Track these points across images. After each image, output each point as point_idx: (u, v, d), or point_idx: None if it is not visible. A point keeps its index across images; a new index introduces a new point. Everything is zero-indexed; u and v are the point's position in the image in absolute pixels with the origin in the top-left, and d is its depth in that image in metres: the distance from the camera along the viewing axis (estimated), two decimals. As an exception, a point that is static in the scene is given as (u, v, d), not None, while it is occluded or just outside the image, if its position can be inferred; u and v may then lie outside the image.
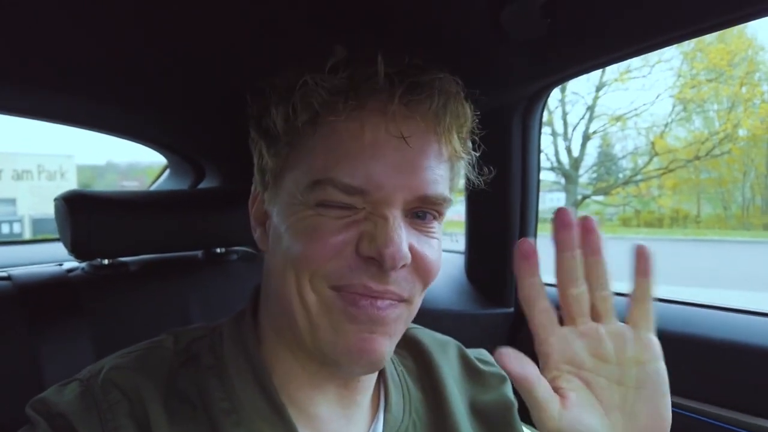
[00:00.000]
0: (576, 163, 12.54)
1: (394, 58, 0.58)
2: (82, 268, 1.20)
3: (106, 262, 1.20)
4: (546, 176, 12.47)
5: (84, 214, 1.09)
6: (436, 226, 0.61)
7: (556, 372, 0.55)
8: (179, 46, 1.03)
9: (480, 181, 0.70)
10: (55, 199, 1.13)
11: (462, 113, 0.61)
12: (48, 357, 1.02)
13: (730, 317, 1.18)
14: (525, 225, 1.40)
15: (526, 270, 0.54)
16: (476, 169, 0.69)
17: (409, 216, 0.58)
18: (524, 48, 1.00)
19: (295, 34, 0.93)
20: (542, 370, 0.54)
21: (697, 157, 11.33)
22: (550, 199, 13.34)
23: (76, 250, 1.11)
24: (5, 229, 11.59)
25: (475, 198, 1.48)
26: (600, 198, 13.11)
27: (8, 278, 1.11)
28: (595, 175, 13.36)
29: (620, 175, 13.17)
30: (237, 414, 0.59)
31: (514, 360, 0.51)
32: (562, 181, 12.72)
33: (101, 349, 1.06)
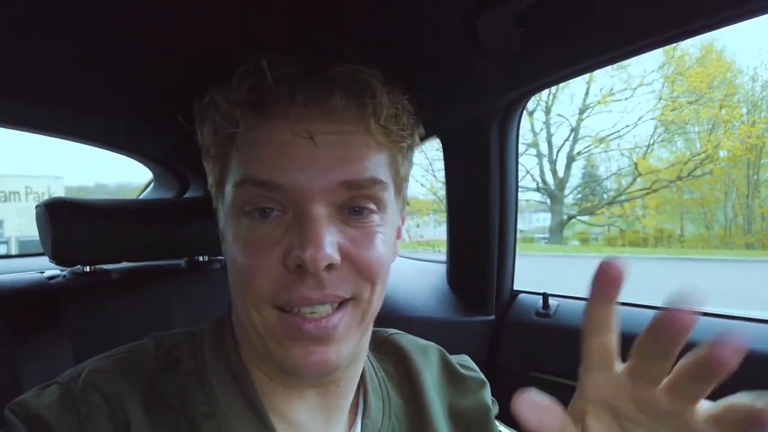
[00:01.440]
0: (561, 183, 12.64)
1: (303, 59, 0.59)
2: (64, 276, 1.19)
3: (87, 269, 1.19)
4: (532, 196, 12.55)
5: (65, 220, 1.10)
6: (375, 220, 0.59)
7: (588, 407, 0.45)
8: (161, 54, 1.04)
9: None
10: (37, 206, 1.13)
11: (377, 102, 0.58)
12: (27, 364, 1.01)
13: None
14: (504, 233, 1.42)
15: (605, 294, 0.42)
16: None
17: (342, 213, 0.57)
18: (500, 58, 1.03)
19: (273, 43, 0.95)
20: (573, 400, 0.47)
21: (680, 178, 11.47)
22: (536, 219, 13.42)
23: (57, 257, 1.11)
24: (-9, 251, 11.41)
25: (455, 207, 1.50)
26: (585, 218, 13.21)
27: None
28: (580, 195, 13.47)
29: (605, 196, 13.30)
30: (217, 418, 0.59)
31: (532, 409, 0.40)
32: (548, 201, 12.81)
33: (81, 357, 1.04)
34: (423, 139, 1.47)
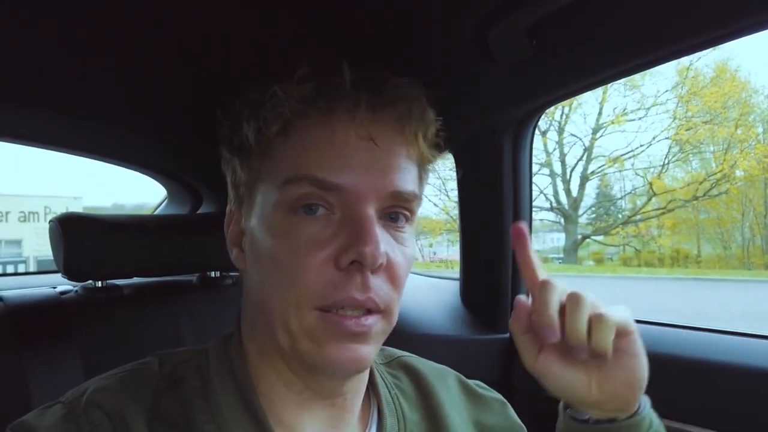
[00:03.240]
0: (575, 203, 12.59)
1: (360, 69, 0.61)
2: (76, 291, 1.19)
3: (99, 284, 1.19)
4: (545, 216, 12.50)
5: (77, 235, 1.10)
6: (407, 230, 0.62)
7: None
8: (177, 71, 1.06)
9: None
10: (50, 221, 1.13)
11: (425, 117, 0.63)
12: (37, 379, 1.01)
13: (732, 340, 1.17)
14: (518, 249, 1.40)
15: (521, 247, 0.67)
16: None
17: (382, 218, 0.60)
18: (512, 70, 1.02)
19: (288, 59, 0.96)
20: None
21: (696, 198, 11.38)
22: (550, 239, 13.33)
23: (69, 272, 1.11)
24: (10, 269, 11.58)
25: (468, 222, 1.49)
26: (600, 238, 13.10)
27: (0, 299, 1.11)
28: (594, 215, 13.39)
29: (619, 216, 13.21)
30: None
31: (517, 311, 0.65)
32: (562, 221, 12.74)
33: (91, 373, 1.04)
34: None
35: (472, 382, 0.84)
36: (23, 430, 0.57)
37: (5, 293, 1.13)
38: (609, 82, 1.06)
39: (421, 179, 0.66)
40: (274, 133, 0.60)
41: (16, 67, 0.99)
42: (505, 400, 0.83)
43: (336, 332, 0.56)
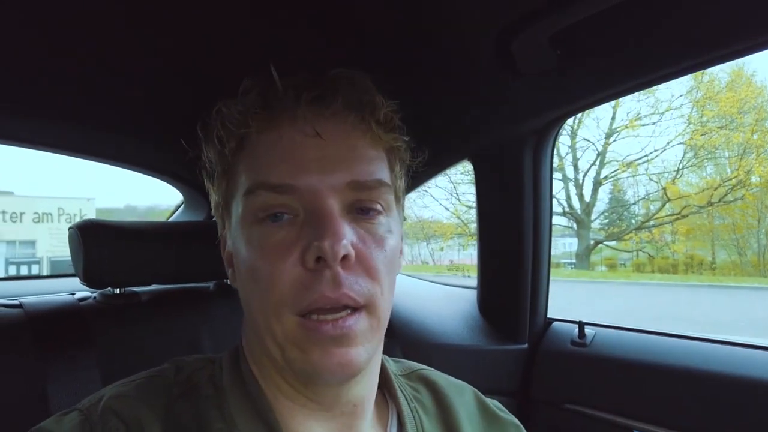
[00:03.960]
0: (588, 208, 12.51)
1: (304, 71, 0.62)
2: (94, 298, 1.20)
3: (117, 291, 1.20)
4: (557, 221, 12.42)
5: (96, 243, 1.10)
6: (382, 220, 0.61)
7: None
8: (189, 76, 1.06)
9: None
10: (70, 228, 1.14)
11: (373, 102, 0.62)
12: (56, 385, 1.01)
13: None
14: (537, 259, 1.39)
15: None
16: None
17: (351, 212, 0.59)
18: (534, 80, 1.02)
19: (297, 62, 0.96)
20: None
21: (710, 203, 11.27)
22: (563, 244, 13.25)
23: (87, 279, 1.11)
24: (24, 270, 11.74)
25: (486, 231, 1.48)
26: (613, 243, 13.00)
27: (20, 306, 1.11)
28: (607, 220, 13.29)
29: (633, 221, 13.10)
30: None
31: None
32: (574, 226, 12.66)
33: (109, 379, 1.04)
34: (454, 161, 1.46)
35: (489, 401, 0.83)
36: None
37: (25, 300, 1.14)
38: (632, 92, 1.05)
39: (392, 166, 0.65)
40: (231, 150, 0.62)
41: (32, 76, 1.00)
42: (520, 425, 0.82)
43: (317, 338, 0.55)
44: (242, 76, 0.63)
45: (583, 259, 12.46)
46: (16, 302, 1.12)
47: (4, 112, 1.15)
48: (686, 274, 12.39)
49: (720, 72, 10.78)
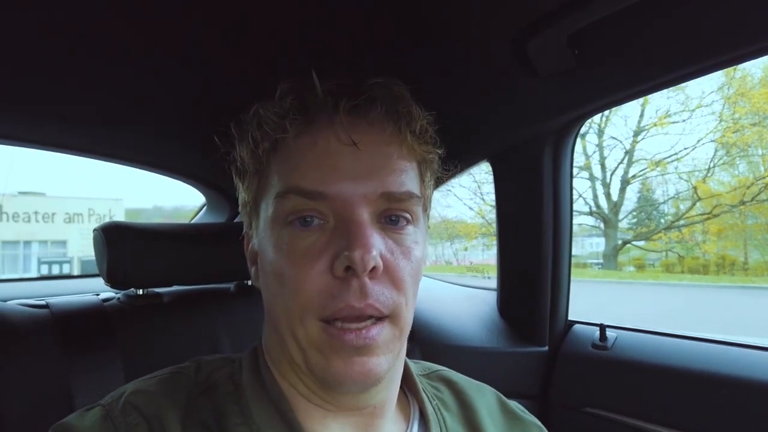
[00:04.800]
0: (615, 207, 12.29)
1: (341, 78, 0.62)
2: (118, 298, 1.22)
3: (140, 292, 1.22)
4: (585, 221, 12.24)
5: (120, 244, 1.13)
6: (410, 231, 0.61)
7: None
8: (211, 81, 1.07)
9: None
10: (94, 230, 1.17)
11: (411, 113, 0.62)
12: (80, 383, 1.04)
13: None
14: (558, 260, 1.38)
15: None
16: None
17: (381, 221, 0.59)
18: (553, 80, 1.01)
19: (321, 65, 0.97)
20: None
21: (743, 202, 10.98)
22: (589, 244, 13.05)
23: (111, 280, 1.14)
24: (55, 269, 12.05)
25: (506, 233, 1.47)
26: (641, 243, 12.76)
27: (46, 306, 1.14)
28: (635, 220, 13.06)
29: (662, 221, 12.84)
30: None
31: None
32: (602, 225, 12.46)
33: (132, 376, 1.06)
34: (473, 162, 1.45)
35: (510, 402, 0.83)
36: (64, 430, 0.59)
37: (51, 300, 1.17)
38: (652, 92, 1.03)
39: (423, 177, 0.65)
40: (264, 150, 0.62)
41: (57, 79, 1.02)
42: (542, 426, 0.81)
43: (339, 346, 0.56)
44: (271, 80, 0.63)
45: (611, 259, 12.25)
46: (42, 303, 1.16)
47: (31, 117, 1.18)
48: (717, 274, 12.10)
49: (753, 68, 10.49)
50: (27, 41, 0.88)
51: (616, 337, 1.33)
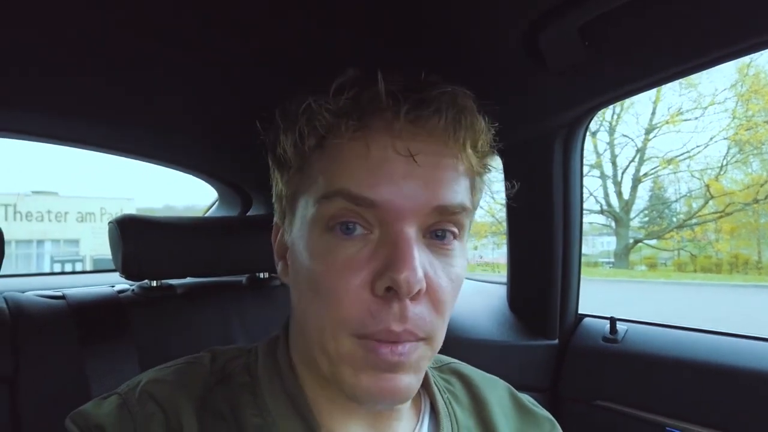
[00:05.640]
0: (627, 206, 12.21)
1: (404, 76, 0.57)
2: (132, 290, 1.25)
3: (154, 284, 1.24)
4: (595, 219, 12.16)
5: (134, 236, 1.15)
6: (456, 247, 0.58)
7: None
8: (225, 78, 1.09)
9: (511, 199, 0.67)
10: (109, 222, 1.19)
11: (475, 127, 0.58)
12: (96, 373, 1.06)
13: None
14: (568, 254, 1.38)
15: None
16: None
17: (427, 236, 0.56)
18: (563, 73, 1.01)
19: (334, 60, 0.97)
20: None
21: (756, 201, 10.87)
22: (600, 243, 12.98)
23: (126, 271, 1.16)
24: (68, 268, 12.19)
25: (516, 226, 1.47)
26: (653, 242, 12.67)
27: (63, 297, 1.16)
28: (646, 218, 12.96)
29: (674, 219, 12.74)
30: (268, 429, 0.59)
31: None
32: (613, 224, 12.38)
33: (146, 366, 1.08)
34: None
35: (522, 396, 0.82)
36: (81, 418, 0.60)
37: (68, 291, 1.19)
38: (664, 84, 1.02)
39: (473, 190, 0.62)
40: (310, 147, 0.58)
41: (76, 77, 1.04)
42: (555, 421, 0.80)
43: (373, 361, 0.54)
44: (293, 76, 0.61)
45: (622, 258, 12.17)
46: (59, 294, 1.18)
47: (49, 113, 1.21)
48: (730, 273, 11.99)
49: (767, 64, 10.38)
50: (43, 37, 0.89)
51: (627, 330, 1.33)
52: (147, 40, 0.92)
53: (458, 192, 0.57)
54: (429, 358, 0.58)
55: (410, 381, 0.55)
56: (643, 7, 0.82)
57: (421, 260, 0.53)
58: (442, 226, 0.56)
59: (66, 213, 13.98)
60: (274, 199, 0.67)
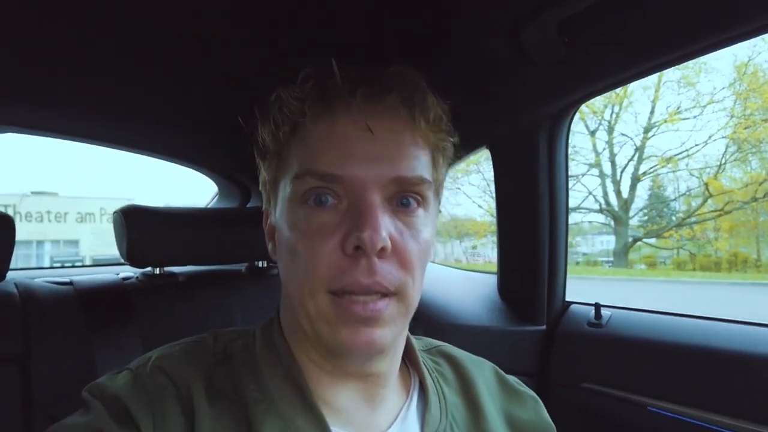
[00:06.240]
0: (626, 205, 12.21)
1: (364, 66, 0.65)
2: (137, 277, 1.30)
3: (157, 271, 1.29)
4: (595, 218, 12.17)
5: (138, 224, 1.20)
6: (420, 214, 0.64)
7: None
8: (224, 72, 1.12)
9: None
10: (114, 212, 1.24)
11: (427, 102, 0.65)
12: (102, 354, 1.11)
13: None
14: (554, 243, 1.42)
15: None
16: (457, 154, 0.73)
17: (392, 204, 0.62)
18: (546, 67, 1.05)
19: (325, 52, 1.00)
20: None
21: (755, 199, 10.87)
22: (600, 242, 12.98)
23: (130, 259, 1.21)
24: (68, 268, 12.13)
25: (505, 216, 1.52)
26: (652, 241, 12.67)
27: (70, 284, 1.21)
28: (646, 217, 12.96)
29: (673, 218, 12.74)
30: (267, 403, 0.64)
31: None
32: (612, 223, 12.39)
33: (150, 348, 1.14)
34: (472, 149, 1.50)
35: (508, 376, 0.86)
36: (98, 389, 0.63)
37: (75, 278, 1.24)
38: (645, 76, 1.06)
39: (436, 163, 0.68)
40: (285, 133, 0.65)
41: (76, 70, 1.07)
42: (538, 399, 0.84)
43: (347, 317, 0.59)
44: (287, 70, 0.67)
45: (621, 257, 12.17)
46: (67, 281, 1.23)
47: (45, 107, 1.25)
48: (730, 272, 11.99)
49: (765, 62, 10.40)
50: (46, 30, 0.92)
51: (611, 316, 1.38)
52: (148, 33, 0.95)
53: (416, 166, 0.63)
54: (403, 316, 0.64)
55: (384, 334, 0.61)
56: (623, 2, 0.86)
57: (385, 223, 0.59)
58: (405, 196, 0.63)
59: (66, 213, 13.94)
60: (260, 187, 0.74)
